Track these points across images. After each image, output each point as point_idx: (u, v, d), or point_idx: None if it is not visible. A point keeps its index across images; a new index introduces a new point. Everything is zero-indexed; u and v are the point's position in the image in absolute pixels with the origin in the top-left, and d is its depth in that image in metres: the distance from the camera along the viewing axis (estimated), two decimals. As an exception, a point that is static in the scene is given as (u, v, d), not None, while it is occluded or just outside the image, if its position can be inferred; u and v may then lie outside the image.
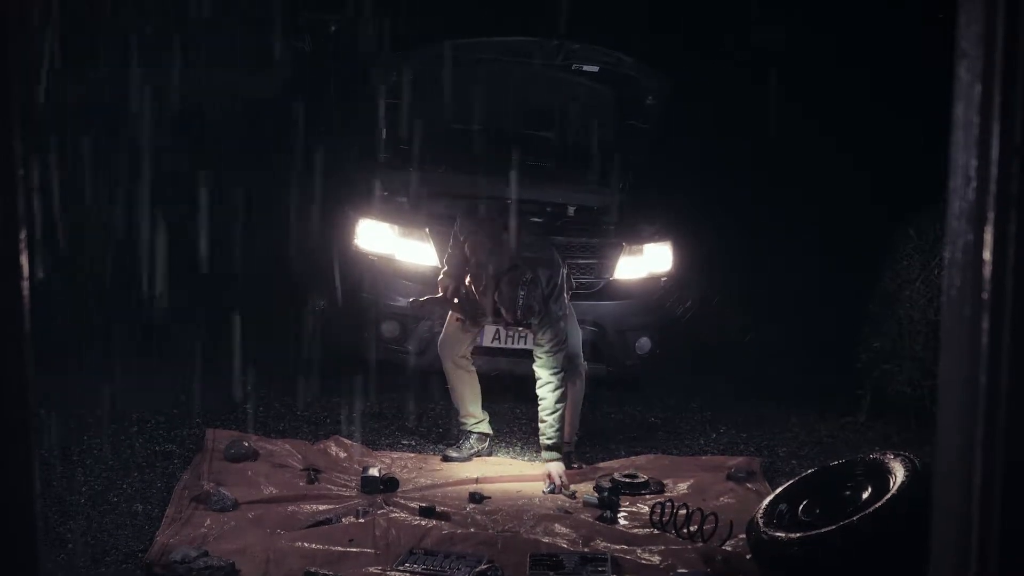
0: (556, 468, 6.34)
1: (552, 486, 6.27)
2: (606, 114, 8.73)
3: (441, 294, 6.65)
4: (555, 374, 6.36)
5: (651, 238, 7.87)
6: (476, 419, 6.80)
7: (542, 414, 6.39)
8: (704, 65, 10.57)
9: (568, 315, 6.60)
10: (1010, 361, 1.90)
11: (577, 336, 6.75)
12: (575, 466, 6.62)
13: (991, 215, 1.90)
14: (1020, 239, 1.88)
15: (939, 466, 2.12)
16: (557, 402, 6.36)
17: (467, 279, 6.48)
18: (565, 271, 6.53)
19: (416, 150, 8.16)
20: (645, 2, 11.05)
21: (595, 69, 8.49)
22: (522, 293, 6.14)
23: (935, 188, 2.20)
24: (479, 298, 6.42)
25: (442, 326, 6.89)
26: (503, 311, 6.22)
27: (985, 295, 1.91)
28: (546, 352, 6.36)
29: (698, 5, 11.16)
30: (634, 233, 7.82)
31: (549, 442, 6.38)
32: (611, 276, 7.64)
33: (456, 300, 6.58)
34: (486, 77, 8.33)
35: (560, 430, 6.40)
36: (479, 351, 6.99)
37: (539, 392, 6.39)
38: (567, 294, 6.53)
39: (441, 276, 6.68)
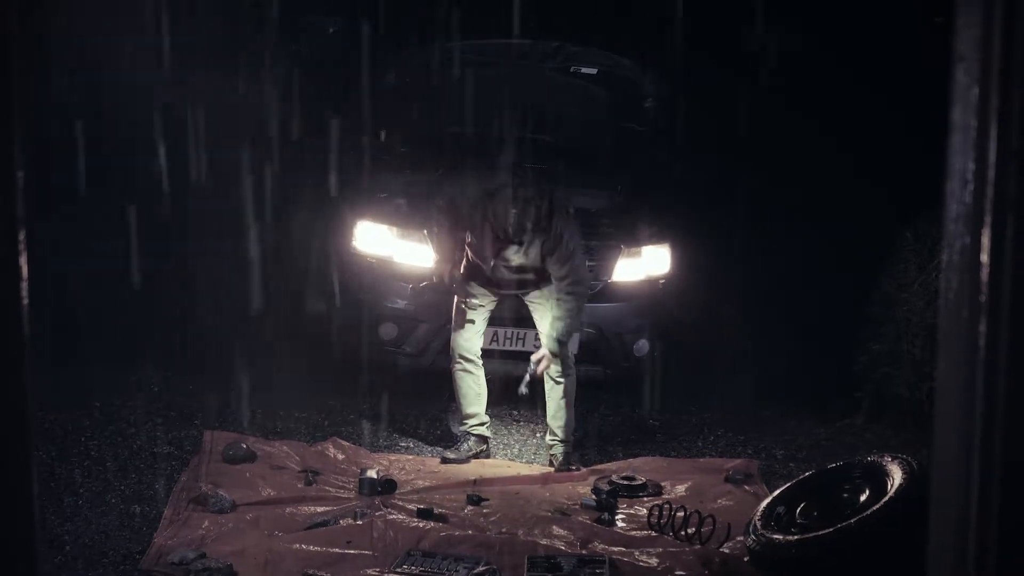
0: (546, 358, 6.51)
1: (533, 368, 6.50)
2: (604, 116, 8.73)
3: (438, 280, 6.67)
4: (580, 301, 6.52)
5: (649, 240, 7.86)
6: (478, 421, 6.80)
7: (557, 315, 6.49)
8: (704, 66, 10.56)
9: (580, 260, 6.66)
10: (1008, 364, 1.91)
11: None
12: (572, 468, 6.64)
13: (988, 218, 1.90)
14: (1017, 242, 1.89)
15: (937, 469, 2.12)
16: (579, 312, 6.54)
17: (466, 247, 6.54)
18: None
19: (414, 152, 8.15)
20: (646, 4, 11.04)
21: (593, 71, 8.49)
22: (515, 211, 6.21)
23: (935, 190, 2.20)
24: (479, 244, 6.46)
25: (440, 326, 6.92)
26: (497, 228, 6.28)
27: (983, 298, 1.92)
28: (567, 293, 6.47)
29: (699, 6, 11.13)
30: (632, 235, 7.81)
31: (556, 336, 6.51)
32: (609, 278, 7.64)
33: (455, 279, 6.59)
34: (485, 79, 8.32)
35: (568, 335, 6.54)
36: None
37: (559, 305, 6.49)
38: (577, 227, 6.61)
39: (434, 264, 6.70)
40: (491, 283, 6.63)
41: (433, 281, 6.70)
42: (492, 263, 6.48)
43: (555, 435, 6.76)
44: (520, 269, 6.53)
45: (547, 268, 6.49)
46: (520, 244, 6.34)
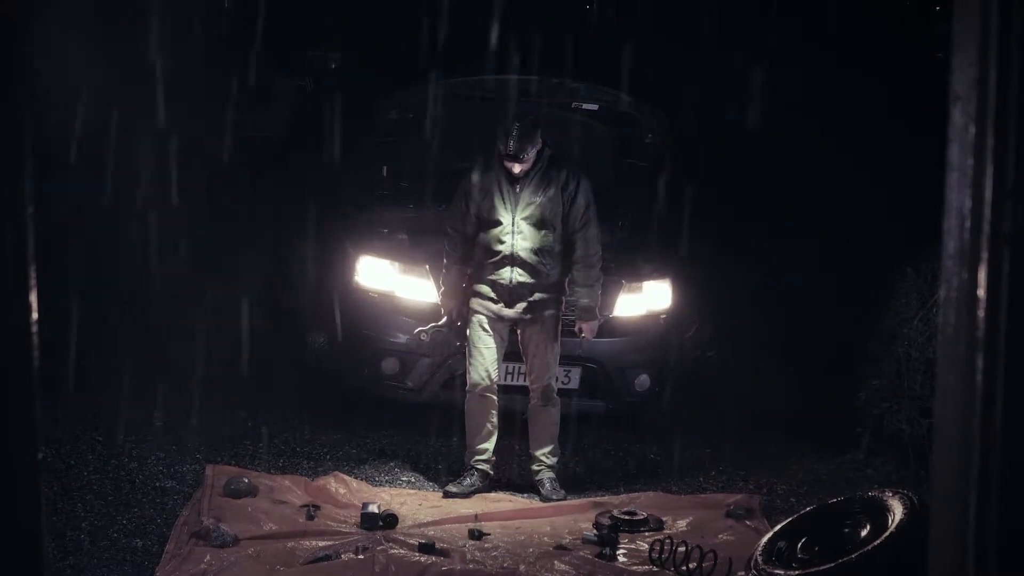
0: (588, 326, 6.73)
1: (582, 339, 6.77)
2: (605, 152, 8.76)
3: (445, 318, 6.68)
4: (595, 266, 6.71)
5: (650, 275, 7.88)
6: (484, 457, 6.79)
7: (579, 279, 6.69)
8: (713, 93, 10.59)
9: (553, 350, 6.73)
10: (1004, 399, 1.92)
11: (554, 367, 6.82)
12: (562, 495, 6.68)
13: (985, 255, 1.93)
14: (1013, 278, 1.91)
15: (935, 504, 2.14)
16: (598, 284, 6.75)
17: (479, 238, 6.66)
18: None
19: (416, 187, 8.19)
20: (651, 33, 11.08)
21: (595, 107, 8.54)
22: (518, 124, 6.44)
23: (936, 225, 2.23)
24: (491, 204, 6.58)
25: (442, 361, 6.95)
26: (499, 144, 6.46)
27: (979, 334, 1.94)
28: (582, 259, 6.67)
29: (707, 34, 11.16)
30: (633, 270, 7.83)
31: (585, 302, 6.71)
32: (610, 313, 7.65)
33: (463, 316, 6.64)
34: (487, 115, 8.36)
35: (593, 295, 6.70)
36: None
37: (579, 270, 6.70)
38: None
39: (441, 299, 6.73)
40: (502, 293, 6.61)
41: (440, 323, 6.72)
42: (511, 217, 6.55)
43: (541, 463, 6.79)
44: (535, 228, 6.60)
45: (565, 227, 6.64)
46: (520, 160, 6.46)
